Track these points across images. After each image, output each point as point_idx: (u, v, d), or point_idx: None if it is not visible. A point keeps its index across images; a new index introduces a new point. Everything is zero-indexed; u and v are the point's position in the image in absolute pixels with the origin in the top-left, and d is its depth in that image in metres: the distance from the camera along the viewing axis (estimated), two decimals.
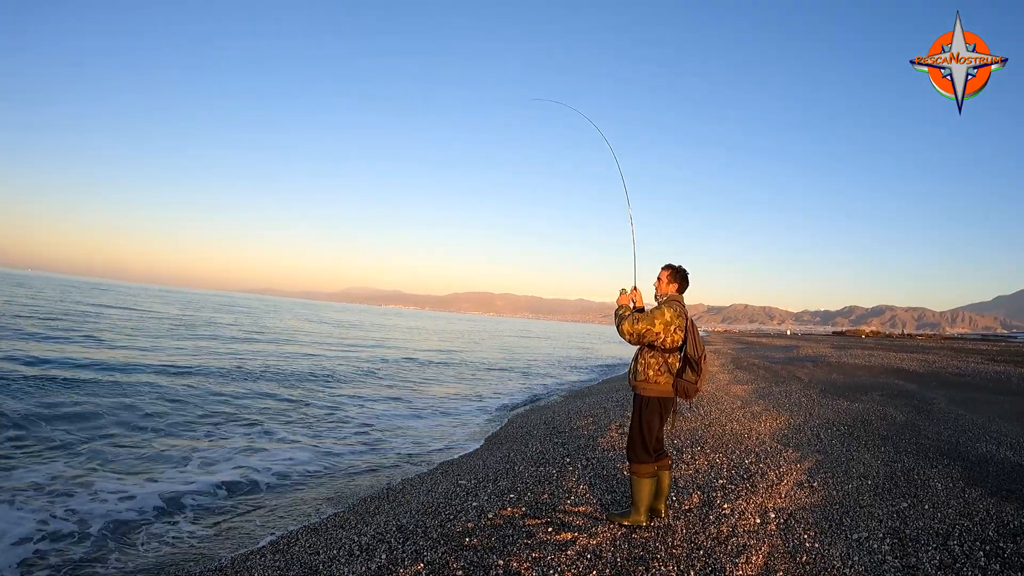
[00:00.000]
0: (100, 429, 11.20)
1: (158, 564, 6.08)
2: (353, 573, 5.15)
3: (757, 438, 10.27)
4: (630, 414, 6.40)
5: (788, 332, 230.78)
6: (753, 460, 8.64)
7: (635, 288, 6.29)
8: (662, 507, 6.17)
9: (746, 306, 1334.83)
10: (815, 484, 7.44)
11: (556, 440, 10.56)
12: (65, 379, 15.38)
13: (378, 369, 26.48)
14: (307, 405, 15.60)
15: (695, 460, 8.60)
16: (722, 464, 8.40)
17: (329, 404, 15.98)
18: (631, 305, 6.16)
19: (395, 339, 51.53)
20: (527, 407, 17.66)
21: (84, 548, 6.40)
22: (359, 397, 17.64)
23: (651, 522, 5.96)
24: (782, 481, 7.54)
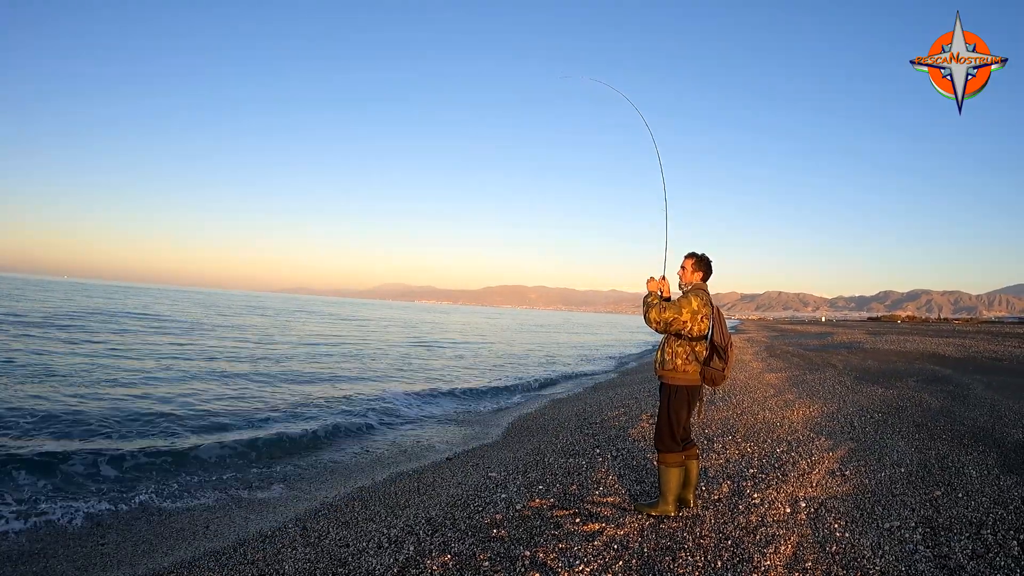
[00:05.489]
0: None
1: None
2: (381, 565, 5.18)
3: (789, 427, 10.20)
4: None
5: (823, 319, 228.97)
6: (785, 449, 8.58)
7: (663, 277, 6.25)
8: (691, 497, 6.15)
9: (780, 293, 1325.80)
10: (847, 472, 7.37)
11: (587, 431, 10.57)
12: None
13: (413, 360, 26.71)
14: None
15: (726, 450, 8.56)
16: (753, 453, 8.36)
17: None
18: (659, 293, 6.14)
19: (435, 333, 51.88)
20: (558, 398, 17.67)
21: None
22: (396, 389, 17.76)
23: (680, 512, 5.95)
24: (814, 470, 7.48)
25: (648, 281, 6.20)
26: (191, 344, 28.32)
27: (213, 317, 55.27)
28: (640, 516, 5.88)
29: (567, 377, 24.14)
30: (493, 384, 20.93)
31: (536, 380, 22.61)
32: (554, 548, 5.17)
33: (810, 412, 11.62)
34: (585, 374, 25.58)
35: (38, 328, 29.26)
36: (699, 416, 6.31)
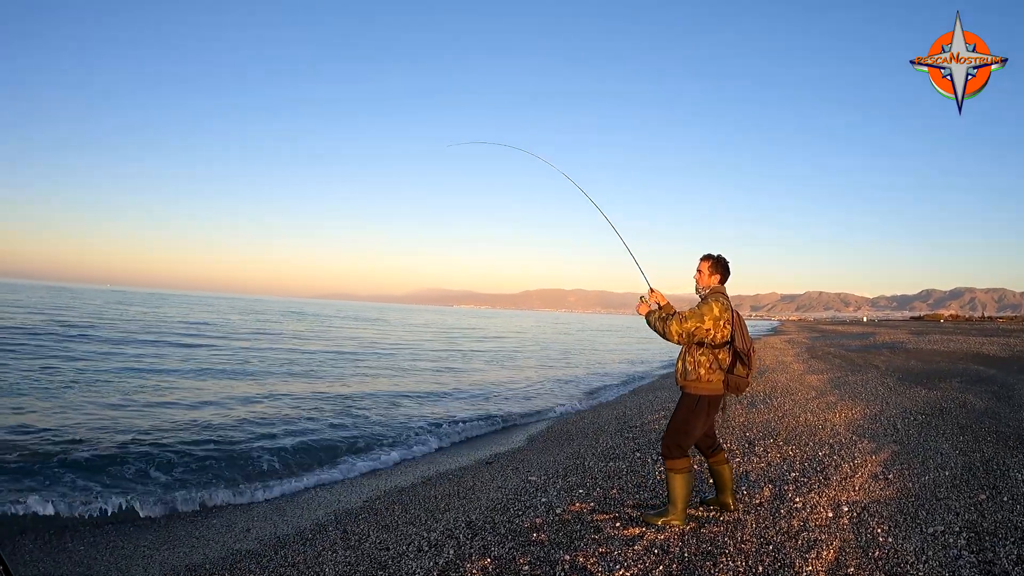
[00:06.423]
0: None
1: None
2: (421, 568, 5.21)
3: (831, 429, 10.10)
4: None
5: (864, 319, 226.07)
6: (827, 452, 8.50)
7: (652, 290, 6.10)
8: (730, 500, 6.09)
9: (820, 293, 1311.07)
10: (890, 476, 7.29)
11: (627, 435, 10.56)
12: None
13: (454, 364, 26.92)
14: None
15: (767, 453, 8.50)
16: (795, 457, 8.29)
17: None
18: (657, 306, 5.99)
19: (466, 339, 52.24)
20: (598, 402, 17.68)
21: None
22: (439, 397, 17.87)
23: (721, 515, 5.92)
24: (856, 473, 7.40)
25: (640, 304, 6.07)
26: (232, 353, 28.79)
27: (253, 324, 56.04)
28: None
29: (607, 380, 24.08)
30: (533, 388, 20.97)
31: (575, 383, 22.62)
32: (594, 552, 5.16)
33: (852, 414, 11.50)
34: (626, 377, 25.49)
35: (162, 345, 29.86)
36: (720, 421, 6.20)
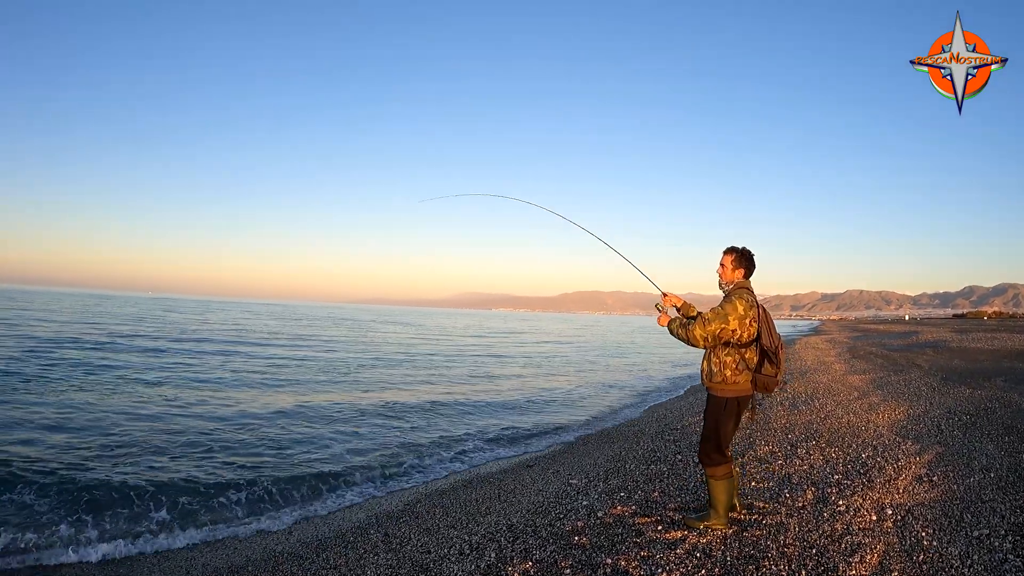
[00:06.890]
0: None
1: None
2: (463, 571, 5.26)
3: (875, 430, 10.00)
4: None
5: (906, 317, 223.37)
6: (870, 454, 8.42)
7: (665, 295, 6.03)
8: (736, 500, 6.06)
9: (861, 292, 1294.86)
10: (935, 478, 7.20)
11: (667, 437, 10.54)
12: None
13: (492, 369, 27.00)
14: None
15: (810, 455, 8.43)
16: (838, 458, 8.21)
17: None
18: (675, 310, 5.92)
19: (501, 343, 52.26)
20: (639, 405, 17.63)
21: None
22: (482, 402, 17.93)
23: (763, 519, 5.87)
24: (900, 475, 7.32)
25: (660, 317, 5.94)
26: (271, 360, 29.07)
27: (293, 329, 56.65)
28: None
29: (647, 383, 23.98)
30: (573, 391, 20.94)
31: (616, 386, 22.57)
32: (636, 556, 5.17)
33: (895, 415, 11.38)
34: (667, 380, 25.38)
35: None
36: (751, 421, 6.07)
